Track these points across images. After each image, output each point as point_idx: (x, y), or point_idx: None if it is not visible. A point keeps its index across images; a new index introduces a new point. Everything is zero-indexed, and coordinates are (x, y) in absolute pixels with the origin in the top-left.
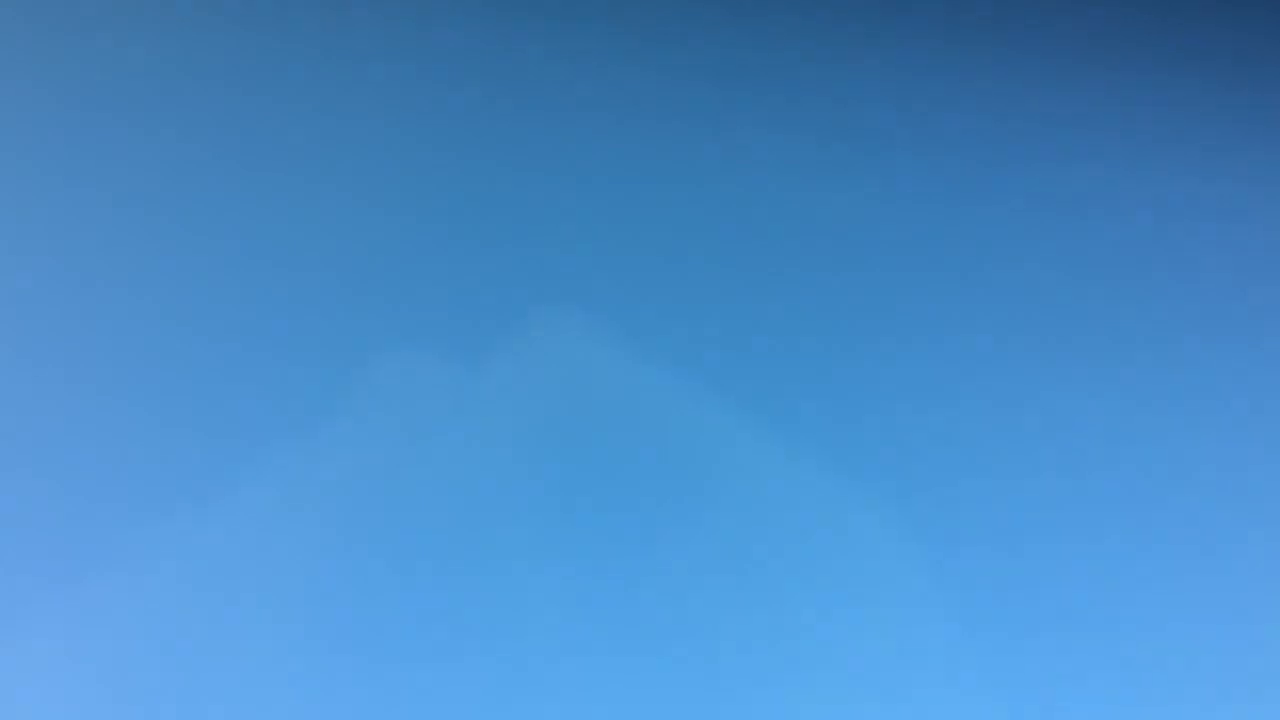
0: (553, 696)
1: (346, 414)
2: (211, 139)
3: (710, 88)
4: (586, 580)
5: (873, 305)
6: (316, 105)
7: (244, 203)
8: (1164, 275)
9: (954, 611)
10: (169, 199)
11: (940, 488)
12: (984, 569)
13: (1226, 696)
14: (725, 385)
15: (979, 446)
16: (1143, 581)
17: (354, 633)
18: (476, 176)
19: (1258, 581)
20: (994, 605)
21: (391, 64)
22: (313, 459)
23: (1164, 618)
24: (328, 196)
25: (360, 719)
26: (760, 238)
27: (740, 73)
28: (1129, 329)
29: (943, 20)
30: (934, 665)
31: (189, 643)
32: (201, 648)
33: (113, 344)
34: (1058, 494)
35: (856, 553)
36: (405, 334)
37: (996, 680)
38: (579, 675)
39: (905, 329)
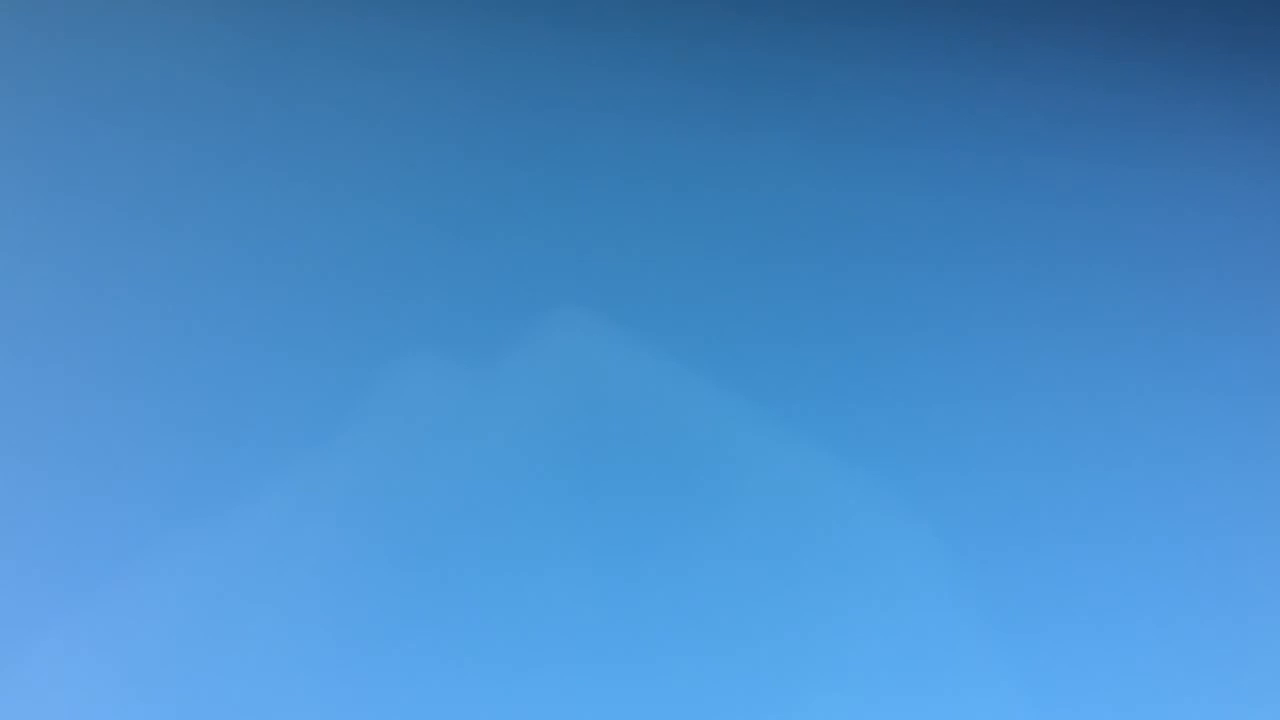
0: (570, 697)
1: (361, 416)
2: (223, 147)
3: (716, 88)
4: (602, 581)
5: (888, 302)
6: (328, 111)
7: (258, 209)
8: (1177, 271)
9: (972, 608)
10: (185, 208)
11: (957, 484)
12: (1001, 566)
13: (1249, 694)
14: (739, 384)
15: (997, 443)
16: (1163, 578)
17: (371, 635)
18: (487, 179)
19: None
20: (1013, 602)
21: (400, 69)
22: (328, 461)
23: (1185, 614)
24: (340, 202)
25: None
26: (773, 236)
27: (747, 73)
28: (1145, 323)
29: (942, 18)
30: (951, 662)
31: (206, 646)
32: (218, 651)
33: (131, 351)
34: (1075, 490)
35: (872, 550)
36: (418, 336)
37: (1015, 677)
38: (596, 676)
39: (920, 326)
